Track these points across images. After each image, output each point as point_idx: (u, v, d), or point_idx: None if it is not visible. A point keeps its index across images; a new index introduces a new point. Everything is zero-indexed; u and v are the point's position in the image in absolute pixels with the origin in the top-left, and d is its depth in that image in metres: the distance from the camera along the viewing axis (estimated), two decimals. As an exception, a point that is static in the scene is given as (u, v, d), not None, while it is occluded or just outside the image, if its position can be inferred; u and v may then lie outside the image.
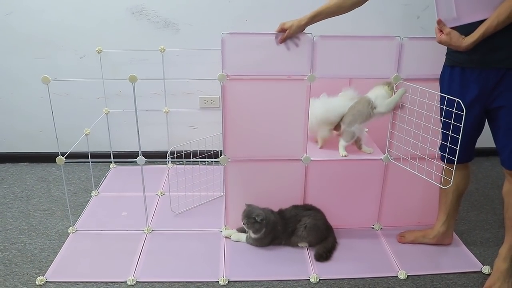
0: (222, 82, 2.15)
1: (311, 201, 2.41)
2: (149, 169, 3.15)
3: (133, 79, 2.16)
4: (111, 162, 3.28)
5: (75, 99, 3.23)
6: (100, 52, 2.96)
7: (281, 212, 2.36)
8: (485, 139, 3.52)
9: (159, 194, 2.88)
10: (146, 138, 3.32)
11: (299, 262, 2.24)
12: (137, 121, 2.27)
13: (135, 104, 2.23)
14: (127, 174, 3.18)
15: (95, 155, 2.98)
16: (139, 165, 2.28)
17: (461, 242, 2.42)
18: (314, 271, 2.17)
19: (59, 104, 3.21)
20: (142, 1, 3.00)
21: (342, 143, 2.40)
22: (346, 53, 2.15)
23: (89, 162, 2.86)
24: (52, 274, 2.14)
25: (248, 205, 2.30)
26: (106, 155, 3.25)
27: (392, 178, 2.41)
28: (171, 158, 2.58)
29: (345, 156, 2.37)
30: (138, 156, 2.27)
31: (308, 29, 3.07)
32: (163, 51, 2.99)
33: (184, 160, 2.60)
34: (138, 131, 2.28)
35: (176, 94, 3.22)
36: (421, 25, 3.14)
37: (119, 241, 2.39)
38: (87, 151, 2.80)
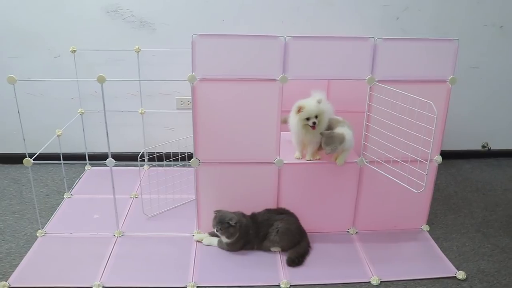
0: (193, 83, 2.10)
1: (284, 204, 2.37)
2: (125, 171, 3.10)
3: (101, 80, 2.10)
4: (85, 163, 3.22)
5: (50, 99, 3.17)
6: (74, 51, 2.90)
7: (253, 216, 2.32)
8: (467, 141, 3.55)
9: (133, 196, 2.83)
10: (122, 139, 3.27)
11: (270, 267, 2.20)
12: (106, 123, 2.21)
13: (104, 106, 2.17)
14: (102, 176, 3.11)
15: (70, 157, 2.93)
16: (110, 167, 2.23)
17: (437, 247, 2.39)
18: (285, 276, 2.12)
19: (33, 104, 3.17)
20: (117, 0, 2.94)
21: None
22: (319, 54, 2.12)
23: (61, 163, 2.80)
24: (16, 279, 2.08)
25: (218, 211, 2.25)
26: (81, 157, 3.19)
27: (367, 182, 2.37)
28: (143, 160, 2.52)
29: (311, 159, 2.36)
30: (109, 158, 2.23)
31: (282, 29, 3.06)
32: (138, 51, 2.94)
33: (156, 162, 2.55)
34: (107, 132, 2.23)
35: (152, 95, 3.17)
36: (401, 26, 3.11)
37: (88, 245, 2.34)
38: (60, 152, 2.74)
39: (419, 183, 2.00)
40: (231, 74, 2.11)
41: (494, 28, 3.22)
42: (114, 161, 2.24)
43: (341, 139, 2.19)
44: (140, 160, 2.49)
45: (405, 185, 2.05)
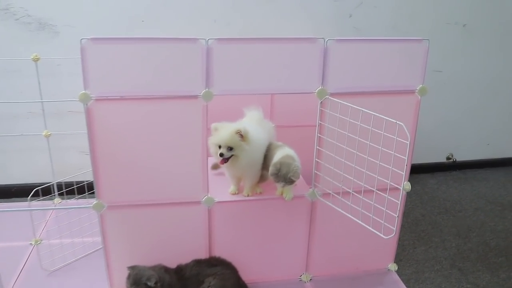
0: (86, 104, 1.57)
1: (219, 252, 1.86)
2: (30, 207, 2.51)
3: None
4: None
5: None
6: (-50, 61, 2.31)
7: (179, 270, 1.80)
8: (431, 153, 3.17)
9: (33, 243, 2.24)
10: (26, 167, 2.69)
11: (201, 339, 1.70)
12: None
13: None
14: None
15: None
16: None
17: (408, 292, 1.96)
18: None
19: None
20: (7, -5, 2.37)
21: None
22: (253, 61, 1.63)
23: None
24: None
25: (132, 268, 1.72)
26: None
27: (321, 218, 1.91)
28: (33, 197, 1.96)
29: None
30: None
31: (214, 31, 2.56)
32: (37, 60, 2.36)
33: (50, 200, 1.99)
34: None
35: (60, 114, 2.59)
36: (354, 25, 2.69)
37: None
38: None
39: (388, 227, 1.54)
40: (138, 91, 1.59)
41: (457, 27, 2.85)
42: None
43: (296, 173, 1.70)
44: (32, 197, 1.94)
45: (371, 229, 1.60)
